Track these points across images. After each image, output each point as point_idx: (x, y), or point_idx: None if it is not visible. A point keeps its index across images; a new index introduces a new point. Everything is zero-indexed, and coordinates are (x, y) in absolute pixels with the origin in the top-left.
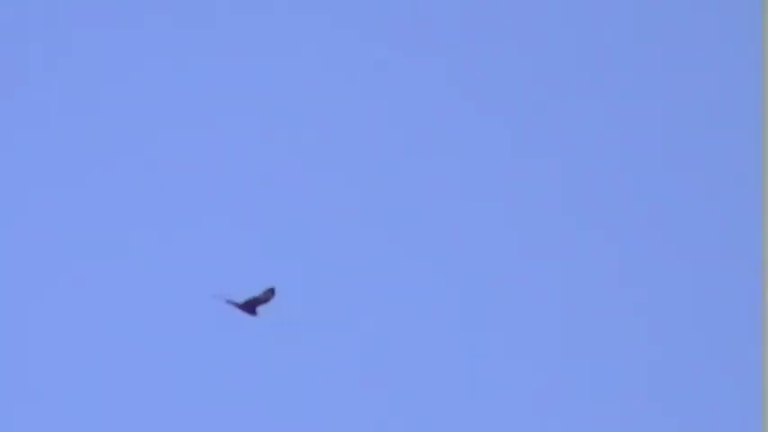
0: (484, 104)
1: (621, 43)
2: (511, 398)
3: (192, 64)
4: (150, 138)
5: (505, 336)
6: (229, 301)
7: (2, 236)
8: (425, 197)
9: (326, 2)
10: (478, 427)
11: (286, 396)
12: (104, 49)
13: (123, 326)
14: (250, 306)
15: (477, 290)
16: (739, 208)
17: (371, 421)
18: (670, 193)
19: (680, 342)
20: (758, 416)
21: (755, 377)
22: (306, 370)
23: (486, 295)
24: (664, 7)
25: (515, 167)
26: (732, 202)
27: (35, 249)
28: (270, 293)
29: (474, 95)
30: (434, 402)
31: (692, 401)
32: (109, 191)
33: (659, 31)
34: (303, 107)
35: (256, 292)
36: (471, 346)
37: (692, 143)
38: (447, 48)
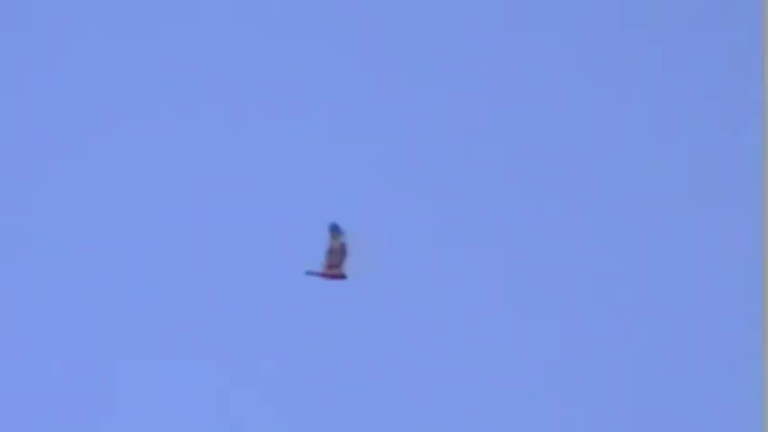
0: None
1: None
2: (513, 395)
3: (192, 58)
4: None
5: (506, 334)
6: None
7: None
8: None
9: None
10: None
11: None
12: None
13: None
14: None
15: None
16: (738, 209)
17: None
18: (668, 195)
19: (679, 343)
20: (757, 416)
21: (755, 378)
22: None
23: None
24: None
25: (521, 172)
26: (731, 202)
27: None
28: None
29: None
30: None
31: (691, 402)
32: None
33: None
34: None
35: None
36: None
37: (688, 145)
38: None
